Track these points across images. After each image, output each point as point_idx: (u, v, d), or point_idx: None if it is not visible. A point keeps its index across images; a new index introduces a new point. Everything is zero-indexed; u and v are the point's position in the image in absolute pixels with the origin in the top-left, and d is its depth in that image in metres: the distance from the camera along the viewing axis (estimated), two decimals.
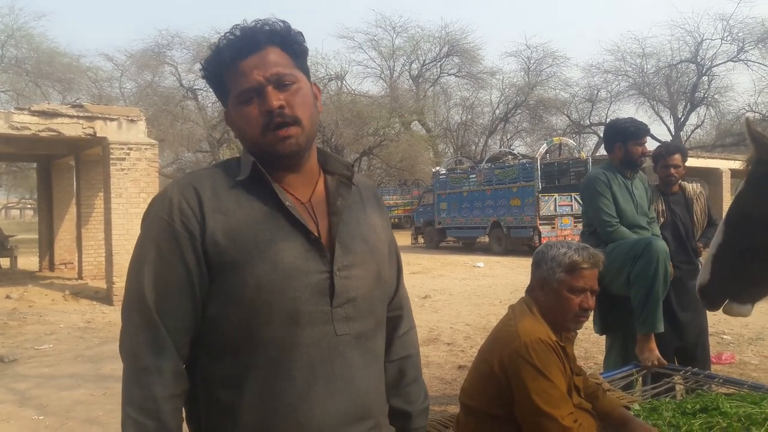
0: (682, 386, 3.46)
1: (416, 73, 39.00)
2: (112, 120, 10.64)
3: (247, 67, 1.22)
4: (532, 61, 37.52)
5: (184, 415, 1.23)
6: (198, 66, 1.26)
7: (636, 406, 2.81)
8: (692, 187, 4.44)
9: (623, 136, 3.83)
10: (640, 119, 3.99)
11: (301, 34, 1.29)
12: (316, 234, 1.23)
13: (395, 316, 1.46)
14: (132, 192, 10.28)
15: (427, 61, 38.65)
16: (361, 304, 1.26)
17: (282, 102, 1.21)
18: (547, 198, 17.82)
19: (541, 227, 17.39)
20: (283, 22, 1.27)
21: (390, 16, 47.01)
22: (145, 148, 10.67)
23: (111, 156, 10.30)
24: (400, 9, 58.86)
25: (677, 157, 4.25)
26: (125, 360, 1.19)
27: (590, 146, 34.77)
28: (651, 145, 4.27)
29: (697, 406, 2.71)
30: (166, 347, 1.17)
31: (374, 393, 1.31)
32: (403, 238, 25.17)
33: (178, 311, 1.19)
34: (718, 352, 6.81)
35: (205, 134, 28.83)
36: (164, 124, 25.72)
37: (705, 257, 4.42)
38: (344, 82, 34.33)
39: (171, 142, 26.76)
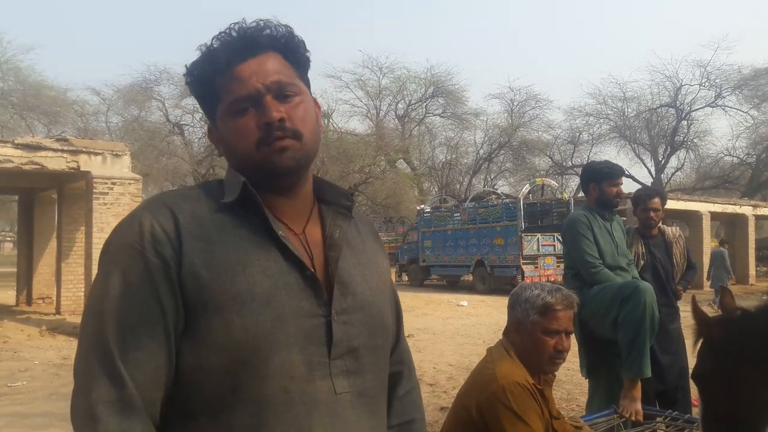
0: (663, 431, 3.45)
1: (402, 112, 39.53)
2: (96, 154, 10.63)
3: (244, 73, 1.05)
4: (515, 103, 38.32)
5: None
6: (185, 87, 1.05)
7: None
8: (671, 230, 4.51)
9: (597, 177, 3.91)
10: (621, 162, 4.13)
11: (303, 42, 1.13)
12: (312, 270, 1.04)
13: (395, 372, 1.23)
14: (114, 226, 10.19)
15: (412, 101, 39.25)
16: (364, 355, 1.07)
17: (283, 114, 1.04)
18: (530, 238, 17.96)
19: (524, 266, 17.47)
20: (286, 26, 1.10)
21: (377, 57, 47.55)
22: (129, 183, 10.65)
23: (94, 190, 10.27)
24: (387, 50, 59.92)
25: (657, 200, 4.32)
26: (79, 427, 0.93)
27: (572, 187, 35.16)
28: (633, 187, 4.36)
29: None
30: (135, 407, 0.93)
31: None
32: None
33: (149, 361, 0.95)
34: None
35: (190, 169, 28.80)
36: (149, 158, 25.66)
37: (683, 299, 4.46)
38: (331, 120, 34.67)
39: (155, 176, 26.66)
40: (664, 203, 4.40)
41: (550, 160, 36.68)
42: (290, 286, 1.01)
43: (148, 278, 0.96)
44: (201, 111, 1.16)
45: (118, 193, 10.42)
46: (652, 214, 4.28)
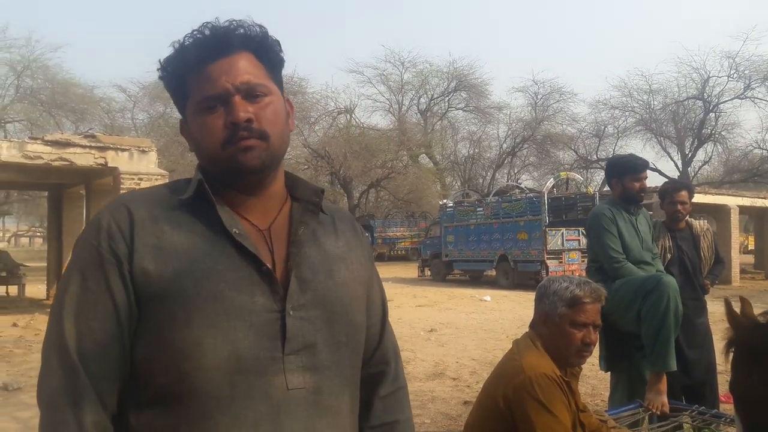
0: (689, 425, 3.42)
1: (424, 107, 39.51)
2: (123, 150, 10.81)
3: (215, 72, 1.07)
4: (539, 97, 37.99)
5: None
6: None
7: None
8: (699, 224, 4.46)
9: (620, 172, 3.88)
10: (647, 155, 4.11)
11: (278, 42, 1.14)
12: (269, 265, 1.05)
13: (378, 372, 1.23)
14: None
15: (435, 96, 39.19)
16: (323, 351, 1.06)
17: (251, 115, 1.06)
18: (554, 232, 17.78)
19: (548, 261, 17.32)
20: (260, 26, 1.12)
21: (399, 51, 47.71)
22: (156, 179, 10.81)
23: (121, 186, 10.45)
24: (409, 45, 59.60)
25: (684, 193, 4.28)
26: (42, 411, 1.00)
27: (597, 181, 34.77)
28: (659, 181, 4.32)
29: None
30: (87, 397, 0.97)
31: None
32: (409, 271, 25.13)
33: (103, 354, 0.99)
34: (728, 390, 6.71)
35: None
36: (175, 154, 26.01)
37: (711, 294, 4.40)
38: (353, 115, 34.80)
39: (181, 172, 26.98)
40: (691, 196, 4.34)
41: (574, 153, 36.30)
42: (242, 282, 1.02)
43: (102, 274, 1.01)
44: None
45: (144, 188, 10.58)
46: (679, 207, 4.24)
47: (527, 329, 2.46)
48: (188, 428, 0.98)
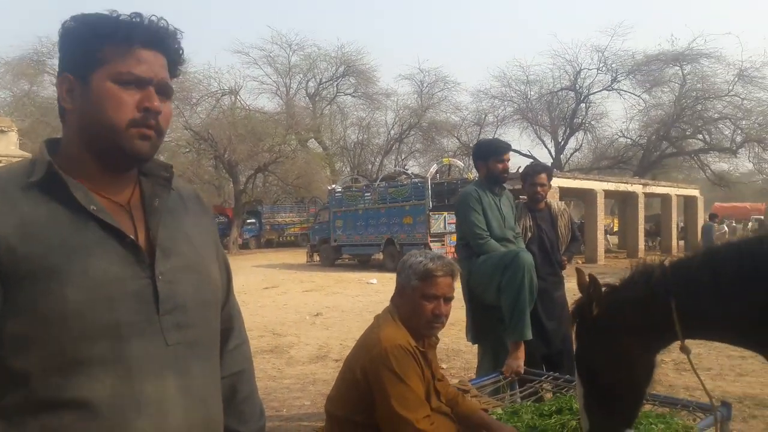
0: (547, 390, 3.67)
1: (313, 91, 39.18)
2: None
3: (144, 57, 1.13)
4: (424, 85, 38.92)
5: None
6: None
7: (499, 411, 2.96)
8: (557, 204, 4.77)
9: (484, 154, 4.12)
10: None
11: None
12: (132, 237, 1.13)
13: (225, 329, 1.36)
14: None
15: (323, 80, 38.99)
16: (193, 310, 1.18)
17: (159, 109, 1.14)
18: (437, 216, 18.38)
19: (432, 244, 17.86)
20: (180, 35, 1.21)
21: (286, 33, 46.98)
22: (17, 161, 9.95)
23: None
24: (296, 27, 58.89)
25: (543, 176, 4.56)
26: None
27: None
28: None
29: (554, 408, 2.91)
30: None
31: (218, 406, 1.23)
32: (299, 257, 24.96)
33: None
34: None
35: None
36: (42, 135, 24.00)
37: (568, 269, 4.74)
38: (238, 97, 33.79)
39: None
40: (550, 178, 4.64)
41: (457, 141, 37.57)
42: (110, 254, 1.09)
43: None
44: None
45: None
46: (539, 188, 4.51)
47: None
48: (78, 393, 1.03)
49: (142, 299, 1.10)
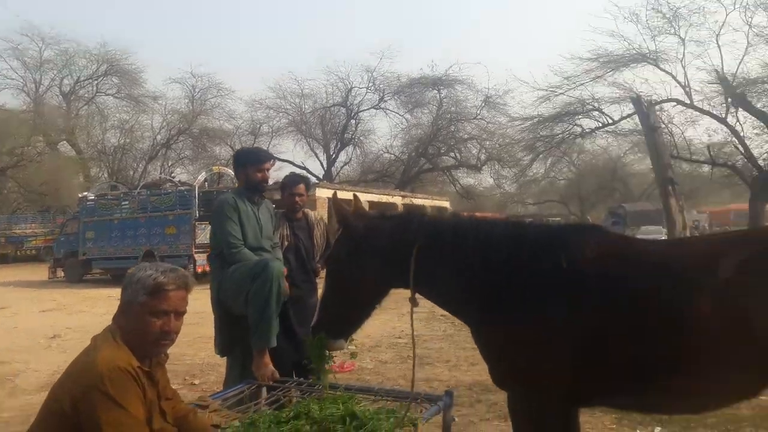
0: (295, 397, 3.67)
1: (68, 89, 35.47)
2: None
3: None
4: (197, 90, 37.57)
5: None
6: None
7: (236, 423, 2.87)
8: (314, 214, 4.88)
9: (244, 162, 4.06)
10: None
11: None
12: None
13: None
14: None
15: (81, 78, 35.48)
16: None
17: None
18: (204, 226, 17.66)
19: (196, 255, 17.17)
20: None
21: (39, 25, 41.53)
22: None
23: None
24: (52, 20, 52.56)
25: (301, 186, 4.64)
26: None
27: None
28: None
29: (292, 414, 2.90)
30: None
31: None
32: (40, 273, 21.99)
33: None
34: (341, 361, 7.54)
35: None
36: None
37: (322, 276, 4.88)
38: None
39: None
40: (308, 189, 4.74)
41: (230, 149, 36.83)
42: None
43: None
44: None
45: None
46: (297, 198, 4.58)
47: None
48: None
49: None
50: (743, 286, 2.09)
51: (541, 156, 27.55)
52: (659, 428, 4.69)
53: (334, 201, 2.73)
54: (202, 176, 21.15)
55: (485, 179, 38.77)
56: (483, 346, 2.55)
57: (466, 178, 38.85)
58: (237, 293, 3.72)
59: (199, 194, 18.54)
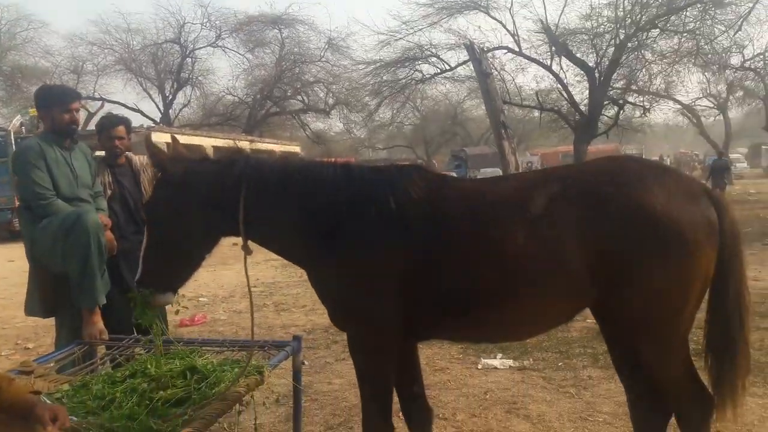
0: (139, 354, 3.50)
1: None
2: None
3: None
4: (3, 22, 32.87)
5: None
6: None
7: (66, 387, 2.70)
8: (139, 159, 4.48)
9: (48, 102, 3.65)
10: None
11: None
12: None
13: None
14: None
15: None
16: None
17: None
18: None
19: None
20: None
21: None
22: None
23: None
24: None
25: (121, 128, 4.26)
26: None
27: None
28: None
29: (127, 372, 2.77)
30: None
31: None
32: None
33: None
34: (192, 314, 7.34)
35: None
36: None
37: None
38: None
39: None
40: (129, 132, 4.37)
41: None
42: None
43: None
44: None
45: None
46: (117, 142, 4.22)
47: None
48: None
49: None
50: (549, 218, 2.29)
51: (386, 101, 27.92)
52: (501, 355, 5.15)
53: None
54: (17, 120, 18.88)
55: (335, 124, 38.74)
56: (318, 289, 2.59)
57: (316, 123, 38.48)
58: (51, 251, 3.39)
59: (16, 140, 16.61)
